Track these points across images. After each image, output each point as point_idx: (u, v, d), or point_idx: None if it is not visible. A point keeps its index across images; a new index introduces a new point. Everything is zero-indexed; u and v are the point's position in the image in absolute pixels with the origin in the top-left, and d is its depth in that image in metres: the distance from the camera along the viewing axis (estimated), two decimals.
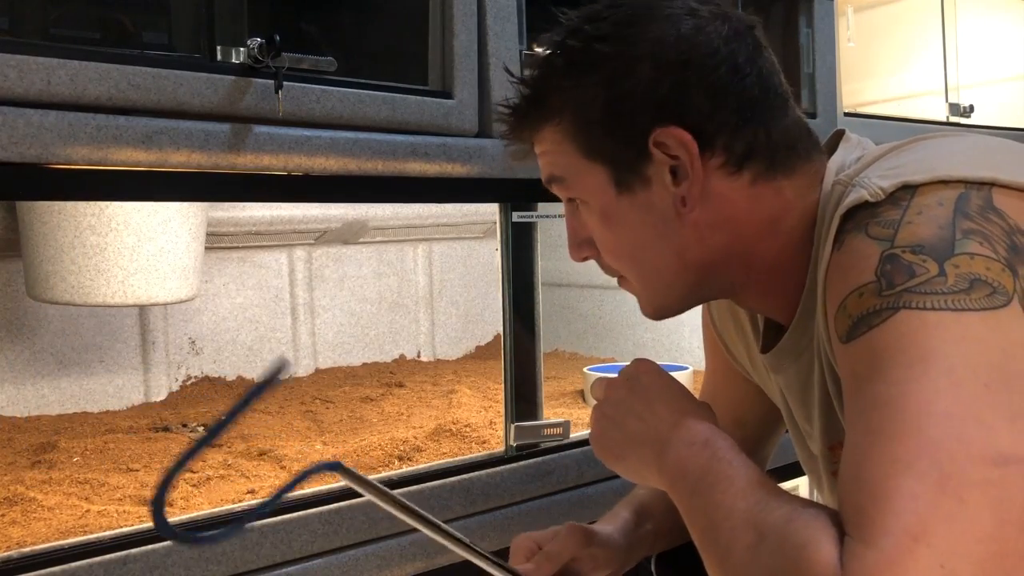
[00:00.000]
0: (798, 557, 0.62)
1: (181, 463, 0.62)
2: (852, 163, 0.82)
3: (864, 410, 0.65)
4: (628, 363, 0.87)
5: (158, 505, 0.61)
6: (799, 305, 0.85)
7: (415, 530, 0.84)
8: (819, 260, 0.78)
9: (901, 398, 0.63)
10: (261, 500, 0.65)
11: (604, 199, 0.84)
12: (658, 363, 0.87)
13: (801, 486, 1.59)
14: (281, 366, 0.64)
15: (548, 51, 0.86)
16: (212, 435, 0.66)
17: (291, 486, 0.68)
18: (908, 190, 0.71)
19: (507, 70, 1.08)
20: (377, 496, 0.76)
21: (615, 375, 0.88)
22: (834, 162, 0.84)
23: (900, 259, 0.68)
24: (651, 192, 0.82)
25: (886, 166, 0.76)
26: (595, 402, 0.88)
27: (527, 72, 0.89)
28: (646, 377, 0.85)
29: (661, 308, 0.89)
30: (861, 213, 0.73)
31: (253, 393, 0.64)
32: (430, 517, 0.81)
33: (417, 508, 0.80)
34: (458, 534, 0.83)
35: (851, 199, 0.74)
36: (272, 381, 0.64)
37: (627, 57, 0.80)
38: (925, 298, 0.65)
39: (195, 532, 0.68)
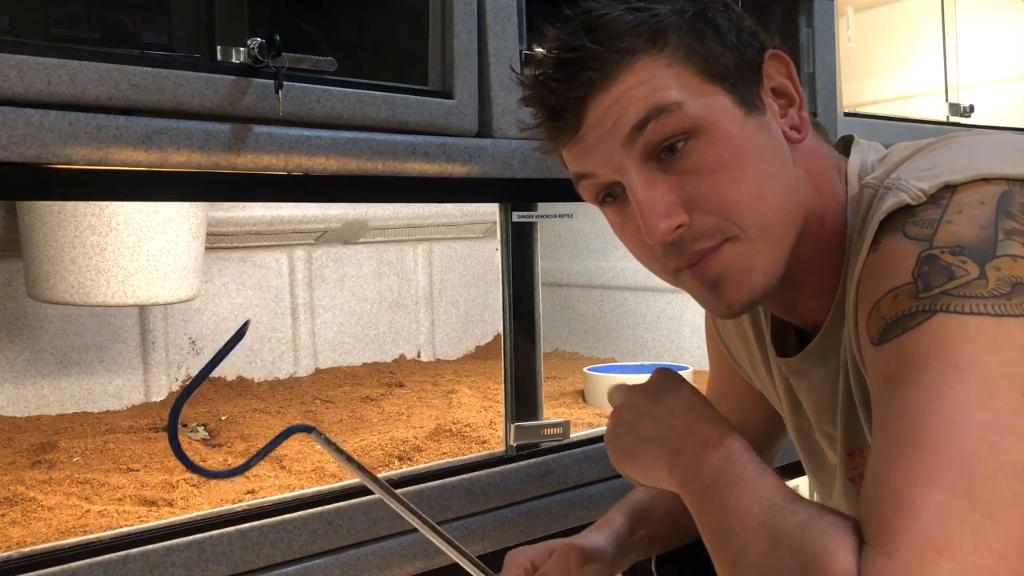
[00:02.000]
0: (814, 566, 0.60)
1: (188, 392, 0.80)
2: (874, 164, 0.81)
3: (893, 416, 0.63)
4: (628, 362, 0.87)
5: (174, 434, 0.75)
6: (831, 308, 0.82)
7: (415, 530, 0.84)
8: (852, 262, 0.76)
9: (933, 405, 0.60)
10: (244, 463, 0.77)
11: (733, 120, 0.76)
12: (657, 363, 0.86)
13: (801, 486, 1.58)
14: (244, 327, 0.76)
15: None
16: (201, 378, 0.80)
17: (273, 445, 0.83)
18: (949, 189, 0.69)
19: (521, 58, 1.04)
20: (350, 467, 0.78)
21: (633, 381, 0.87)
22: (854, 164, 0.82)
23: (939, 260, 0.65)
24: (768, 118, 0.79)
25: (921, 166, 0.73)
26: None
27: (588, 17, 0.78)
28: (665, 383, 0.84)
29: (773, 268, 0.78)
30: (899, 214, 0.70)
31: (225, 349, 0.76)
32: (409, 503, 0.81)
33: (393, 490, 0.80)
34: (445, 532, 0.83)
35: (891, 203, 0.71)
36: (238, 338, 0.76)
37: None
38: (964, 301, 0.63)
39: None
